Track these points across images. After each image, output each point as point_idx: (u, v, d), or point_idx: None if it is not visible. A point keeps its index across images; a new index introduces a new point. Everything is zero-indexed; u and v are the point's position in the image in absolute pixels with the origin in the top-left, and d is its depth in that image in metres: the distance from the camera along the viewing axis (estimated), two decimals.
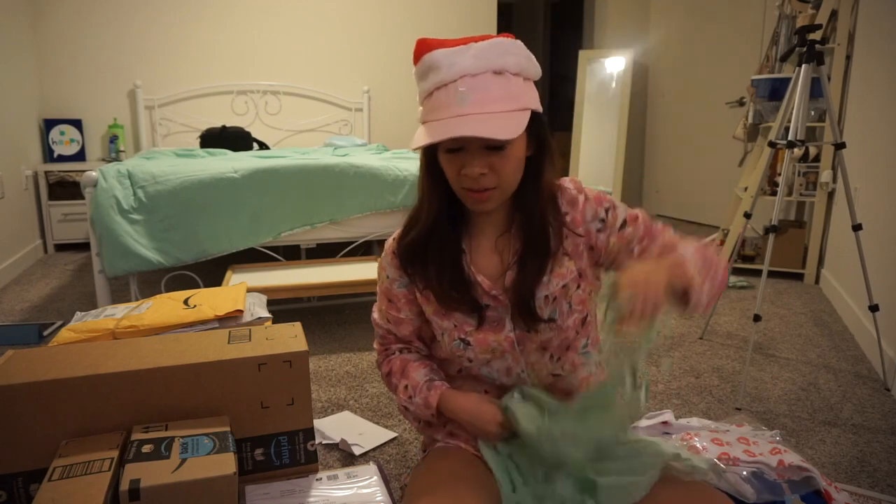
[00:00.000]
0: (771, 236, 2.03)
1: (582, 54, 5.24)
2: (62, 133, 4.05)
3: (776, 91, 3.27)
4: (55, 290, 3.06)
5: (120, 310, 1.74)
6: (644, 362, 0.98)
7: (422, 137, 0.95)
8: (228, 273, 2.52)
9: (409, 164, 2.72)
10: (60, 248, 3.95)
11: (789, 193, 3.31)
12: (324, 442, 1.63)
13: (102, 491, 1.02)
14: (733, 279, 3.22)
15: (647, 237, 1.08)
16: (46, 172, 3.80)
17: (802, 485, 1.18)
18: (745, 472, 1.18)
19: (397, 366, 1.19)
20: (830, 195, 3.21)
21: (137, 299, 2.28)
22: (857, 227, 2.08)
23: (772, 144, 2.28)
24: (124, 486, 1.03)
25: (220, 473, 1.08)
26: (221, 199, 2.43)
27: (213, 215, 2.42)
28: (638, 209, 1.11)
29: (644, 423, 1.51)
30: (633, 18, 5.27)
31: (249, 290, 2.01)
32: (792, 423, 1.77)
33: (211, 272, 2.75)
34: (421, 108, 1.00)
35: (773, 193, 3.29)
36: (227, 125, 4.03)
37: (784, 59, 2.86)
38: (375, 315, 1.22)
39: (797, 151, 3.22)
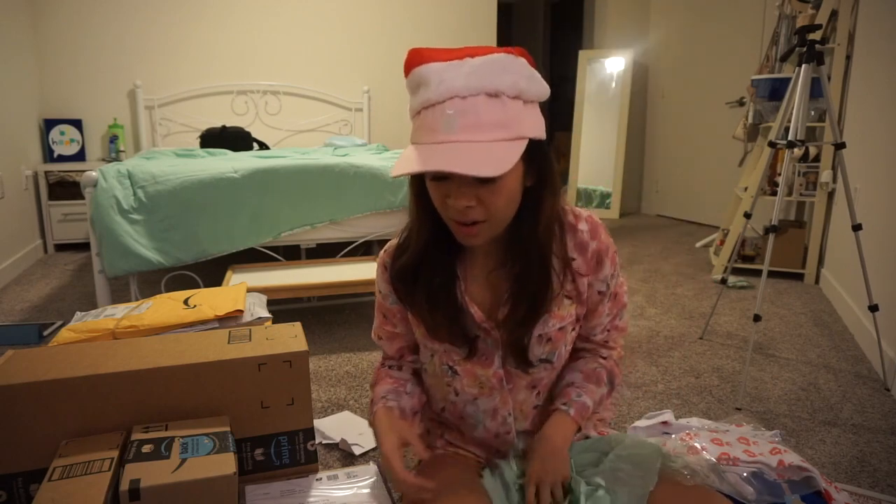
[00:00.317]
0: (771, 236, 2.03)
1: (582, 54, 5.25)
2: (62, 133, 4.05)
3: (776, 91, 3.27)
4: (55, 290, 3.06)
5: (120, 310, 1.74)
6: None
7: (402, 164, 0.86)
8: (228, 273, 2.52)
9: None
10: (60, 248, 3.95)
11: (789, 193, 3.30)
12: (324, 442, 1.63)
13: (102, 491, 1.03)
14: (733, 279, 3.22)
15: (610, 319, 1.10)
16: (46, 172, 3.81)
17: (802, 485, 1.18)
18: (745, 473, 1.18)
19: (375, 378, 1.17)
20: (830, 195, 3.21)
21: (137, 299, 2.28)
22: (856, 227, 2.08)
23: (772, 144, 2.28)
24: (124, 486, 1.03)
25: (220, 473, 1.08)
26: (221, 199, 2.43)
27: (213, 215, 2.42)
28: (623, 278, 1.09)
29: (644, 423, 1.51)
30: (633, 18, 5.27)
31: (249, 290, 2.01)
32: (792, 423, 1.77)
33: (211, 272, 2.75)
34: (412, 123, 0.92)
35: (773, 193, 3.29)
36: (227, 125, 4.03)
37: (784, 59, 2.85)
38: (372, 332, 1.20)
39: (797, 151, 3.22)
